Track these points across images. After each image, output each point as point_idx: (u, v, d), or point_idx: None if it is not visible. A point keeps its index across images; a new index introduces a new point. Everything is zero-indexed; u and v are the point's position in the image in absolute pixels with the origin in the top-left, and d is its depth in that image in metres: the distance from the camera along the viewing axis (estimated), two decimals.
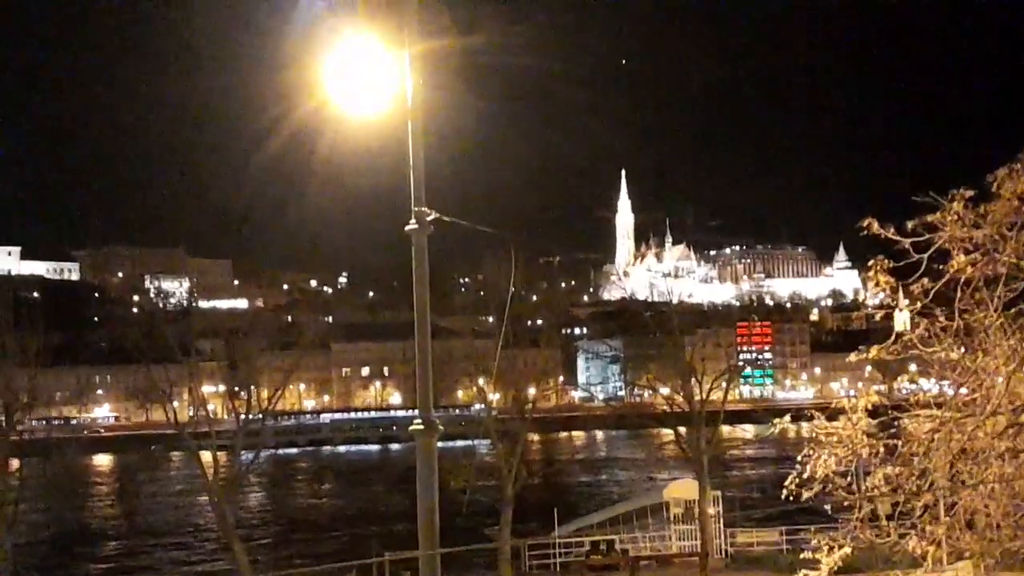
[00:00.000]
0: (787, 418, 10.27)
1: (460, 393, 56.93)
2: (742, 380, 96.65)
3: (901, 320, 8.97)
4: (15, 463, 25.09)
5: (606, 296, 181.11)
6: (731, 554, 30.24)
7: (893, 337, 9.16)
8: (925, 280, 8.99)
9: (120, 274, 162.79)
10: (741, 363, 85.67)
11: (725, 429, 36.86)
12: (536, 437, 40.34)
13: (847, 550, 9.32)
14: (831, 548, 9.37)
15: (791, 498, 9.51)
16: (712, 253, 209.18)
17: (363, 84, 8.43)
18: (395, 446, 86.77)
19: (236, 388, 29.90)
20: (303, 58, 8.65)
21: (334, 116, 8.68)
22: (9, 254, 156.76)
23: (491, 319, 32.18)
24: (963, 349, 9.20)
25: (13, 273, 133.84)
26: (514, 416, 30.98)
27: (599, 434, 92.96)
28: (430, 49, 8.55)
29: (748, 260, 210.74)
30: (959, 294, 8.94)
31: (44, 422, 45.18)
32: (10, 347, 25.55)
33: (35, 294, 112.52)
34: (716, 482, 31.88)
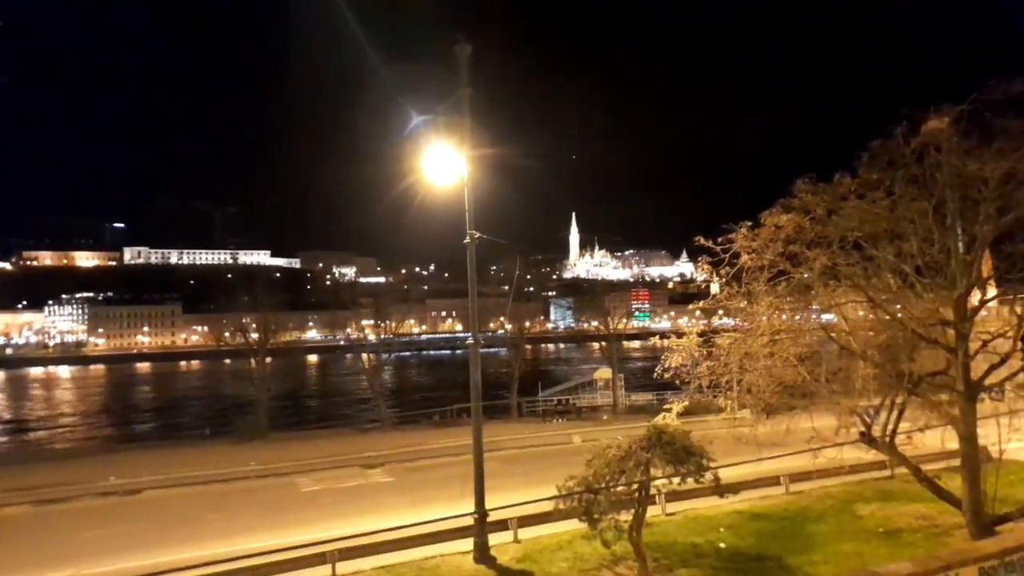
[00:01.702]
0: (657, 337, 18.63)
1: (491, 324, 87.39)
2: (634, 318, 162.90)
3: (715, 288, 17.36)
4: (268, 359, 49.15)
5: (565, 276, 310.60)
6: (627, 406, 49.83)
7: (711, 297, 17.54)
8: (728, 268, 17.23)
9: (320, 264, 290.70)
10: (633, 310, 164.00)
11: (625, 343, 66.61)
12: (529, 347, 64.10)
13: (687, 403, 17.83)
14: (679, 402, 17.89)
15: (658, 377, 18.06)
16: (618, 253, 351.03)
17: (442, 168, 16.92)
18: (459, 351, 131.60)
19: (378, 322, 53.23)
20: (413, 151, 16.83)
21: (426, 183, 17.02)
22: (268, 254, 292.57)
23: (506, 287, 53.52)
24: (745, 303, 17.53)
25: (266, 264, 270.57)
26: (517, 336, 55.10)
27: (561, 346, 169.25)
28: (476, 151, 16.92)
29: (636, 257, 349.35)
30: (744, 275, 17.24)
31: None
32: (266, 301, 52.28)
33: (277, 275, 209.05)
34: (620, 368, 53.38)
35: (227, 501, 24.82)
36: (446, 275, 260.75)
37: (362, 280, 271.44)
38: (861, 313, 17.08)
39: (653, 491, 15.64)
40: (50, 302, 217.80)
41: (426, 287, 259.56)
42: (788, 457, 15.53)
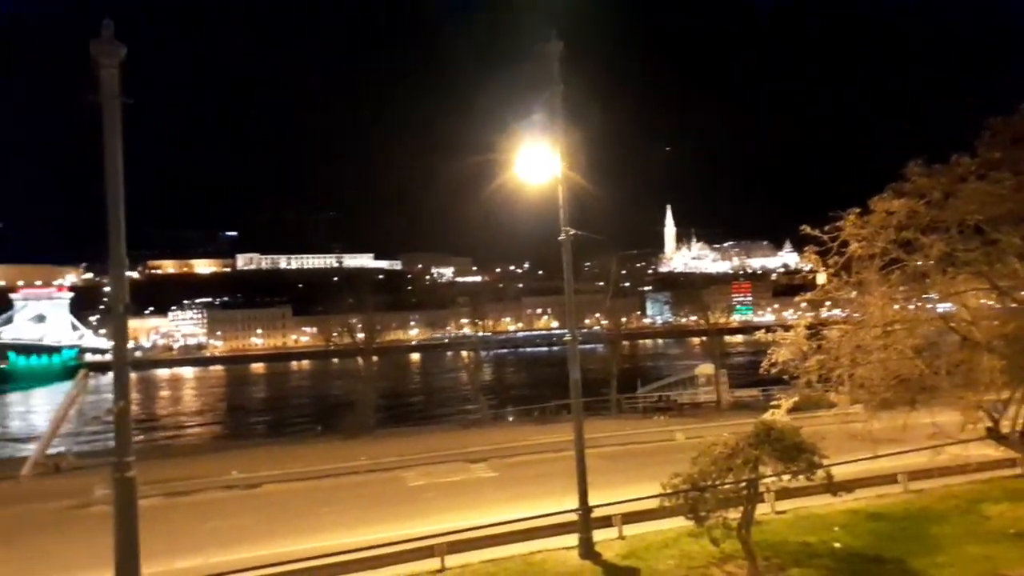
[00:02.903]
0: (762, 331, 18.08)
1: (587, 320, 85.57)
2: (735, 312, 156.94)
3: (821, 279, 16.70)
4: (375, 358, 52.34)
5: (661, 270, 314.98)
6: (731, 403, 48.76)
7: (819, 287, 16.89)
8: (836, 257, 16.54)
9: (419, 265, 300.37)
10: (734, 303, 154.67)
11: (726, 338, 62.92)
12: (626, 343, 63.34)
13: (796, 398, 17.27)
14: (788, 398, 17.35)
15: (765, 373, 17.54)
16: (717, 245, 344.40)
17: (535, 166, 16.98)
18: (555, 348, 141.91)
19: (475, 320, 57.79)
20: (507, 150, 16.97)
21: (519, 182, 17.14)
22: (370, 257, 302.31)
23: (601, 283, 53.82)
24: (855, 293, 16.79)
25: (369, 266, 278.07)
26: (614, 332, 56.25)
27: (659, 342, 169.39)
28: (569, 148, 16.92)
29: (737, 248, 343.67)
30: (853, 264, 16.51)
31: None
32: (370, 302, 55.87)
33: (380, 276, 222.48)
34: (722, 363, 52.07)
35: (338, 495, 25.80)
36: (540, 272, 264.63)
37: (459, 280, 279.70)
38: (984, 301, 16.08)
39: (762, 489, 15.22)
40: (173, 307, 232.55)
41: (521, 285, 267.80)
42: (907, 454, 14.78)
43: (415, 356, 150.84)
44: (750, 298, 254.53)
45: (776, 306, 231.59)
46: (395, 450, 34.13)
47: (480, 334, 56.34)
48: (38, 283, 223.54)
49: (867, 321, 16.47)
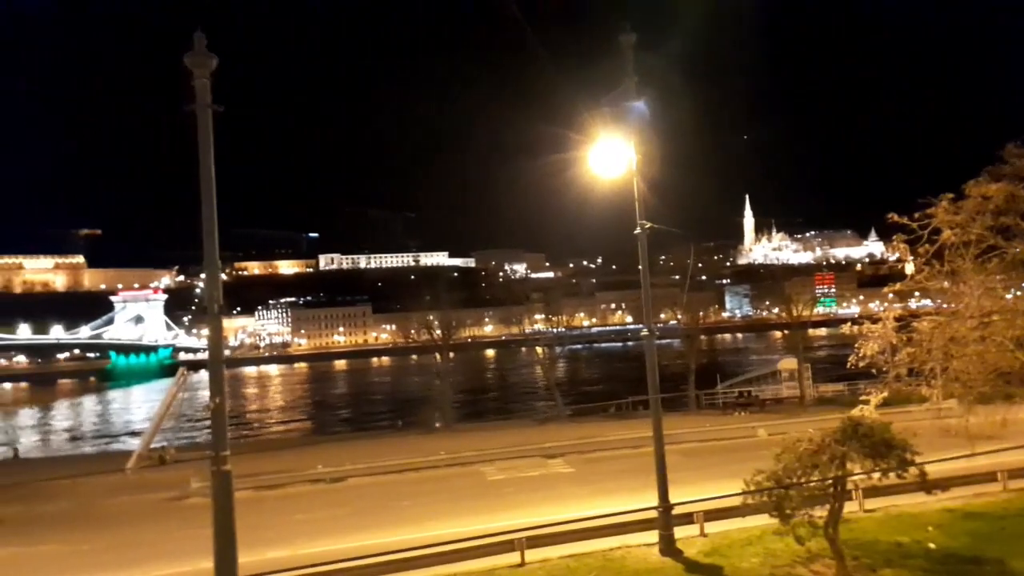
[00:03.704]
0: (848, 324, 17.46)
1: (663, 315, 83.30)
2: (818, 304, 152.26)
3: (910, 268, 16.03)
4: (451, 354, 53.13)
5: (740, 262, 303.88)
6: (815, 398, 47.70)
7: (908, 278, 16.22)
8: (927, 245, 15.84)
9: (493, 262, 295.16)
10: (817, 295, 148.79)
11: (810, 331, 62.53)
12: (704, 337, 60.83)
13: (885, 393, 16.65)
14: (877, 393, 16.74)
15: (852, 367, 16.97)
16: (798, 235, 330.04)
17: (608, 159, 16.88)
18: (630, 343, 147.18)
19: (549, 316, 57.76)
20: (579, 144, 16.93)
21: (593, 176, 17.06)
22: (445, 255, 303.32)
23: (677, 277, 52.19)
24: (948, 283, 16.04)
25: (444, 264, 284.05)
26: (692, 326, 54.65)
27: (739, 336, 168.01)
28: (644, 140, 16.73)
29: (819, 238, 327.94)
30: (946, 253, 15.77)
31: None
32: (446, 299, 57.21)
33: (455, 274, 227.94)
34: (805, 357, 50.37)
35: (420, 488, 26.32)
36: (614, 267, 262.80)
37: (533, 276, 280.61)
38: None
39: (850, 486, 14.76)
40: (259, 307, 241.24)
41: (594, 280, 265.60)
42: (1007, 451, 14.04)
43: (490, 352, 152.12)
44: (834, 290, 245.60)
45: (861, 298, 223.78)
46: (473, 445, 34.56)
47: (554, 330, 56.20)
48: (135, 286, 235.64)
49: (962, 312, 15.78)
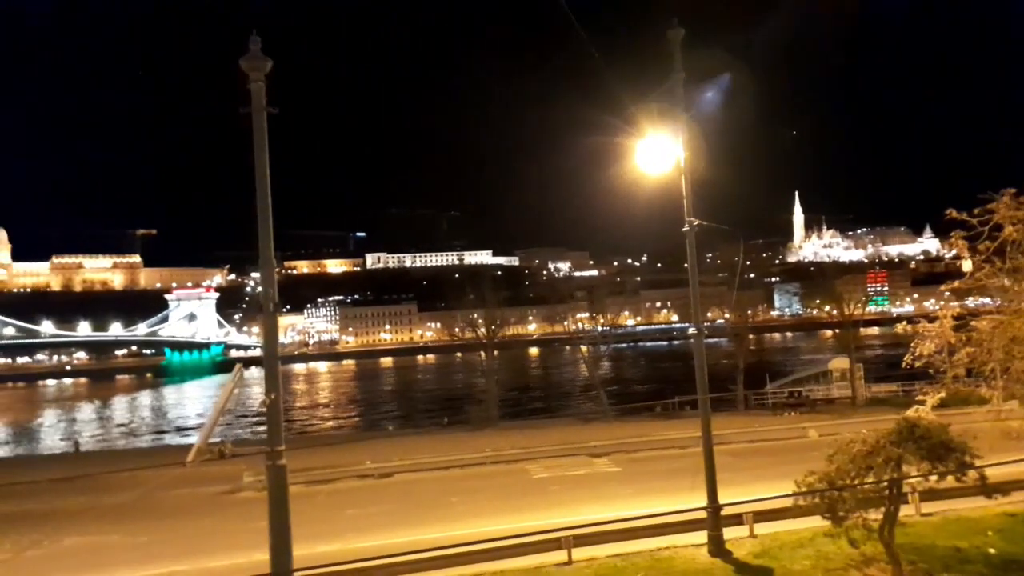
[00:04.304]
0: (903, 323, 17.05)
1: (710, 313, 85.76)
2: (870, 303, 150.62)
3: (968, 266, 15.56)
4: (495, 352, 52.51)
5: (789, 259, 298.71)
6: (867, 398, 46.50)
7: (967, 276, 15.74)
8: (987, 242, 15.32)
9: (536, 260, 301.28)
10: (870, 294, 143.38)
11: (862, 330, 57.43)
12: (752, 336, 57.46)
13: (942, 394, 16.20)
14: (934, 394, 16.28)
15: (907, 367, 16.56)
16: (850, 232, 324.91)
17: (654, 156, 16.77)
18: (676, 342, 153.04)
19: (593, 314, 59.56)
20: (624, 141, 16.86)
21: (638, 173, 16.97)
22: (489, 253, 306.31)
23: (724, 275, 49.38)
24: (1009, 281, 15.50)
25: (488, 263, 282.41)
26: (740, 325, 53.59)
27: (788, 335, 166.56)
28: (690, 138, 16.61)
29: (871, 235, 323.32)
30: (1008, 249, 15.25)
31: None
32: (490, 298, 57.57)
33: (498, 272, 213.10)
34: (857, 357, 48.63)
35: (466, 485, 26.53)
36: (659, 265, 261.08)
37: (576, 274, 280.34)
38: None
39: (906, 489, 14.43)
40: (308, 305, 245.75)
41: (639, 278, 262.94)
42: None
43: (534, 350, 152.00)
44: (886, 288, 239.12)
45: (915, 296, 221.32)
46: (518, 443, 34.67)
47: (598, 328, 55.99)
48: (189, 285, 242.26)
49: (1023, 311, 15.23)
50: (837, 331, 51.99)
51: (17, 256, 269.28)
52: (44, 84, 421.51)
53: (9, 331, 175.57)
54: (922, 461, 12.67)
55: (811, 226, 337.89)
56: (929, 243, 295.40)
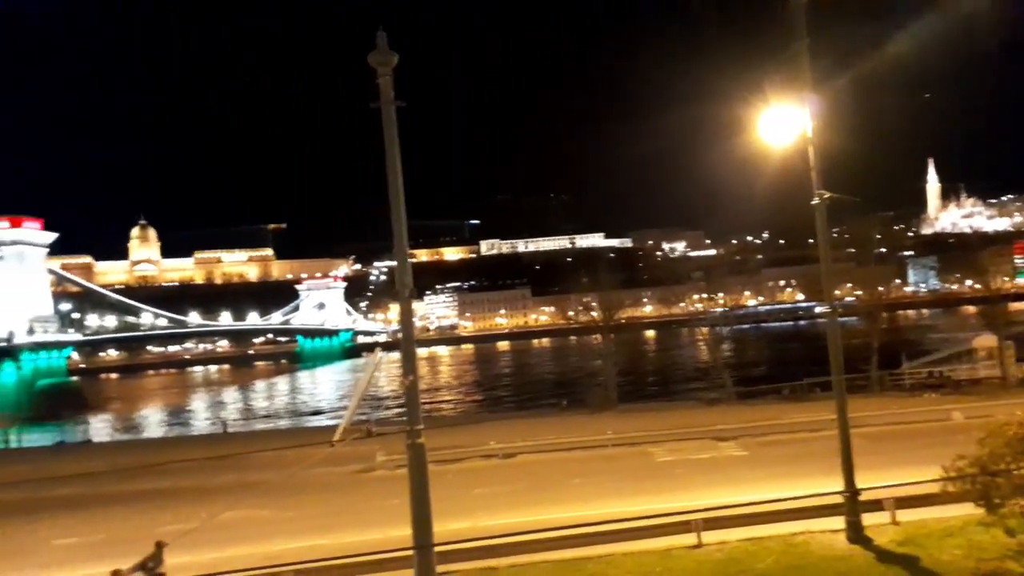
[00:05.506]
0: None
1: (837, 291, 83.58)
2: (1019, 275, 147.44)
3: None
4: (611, 335, 52.99)
5: (924, 231, 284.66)
6: (1020, 378, 43.02)
7: None
8: None
9: (650, 241, 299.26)
10: (1017, 266, 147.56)
11: (1010, 305, 54.00)
12: (885, 314, 53.02)
13: None
14: None
15: None
16: (993, 200, 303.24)
17: (777, 128, 16.21)
18: (801, 322, 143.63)
19: (711, 295, 60.52)
20: (742, 114, 16.38)
21: (758, 147, 16.46)
22: (601, 236, 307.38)
23: (852, 250, 48.28)
24: None
25: (600, 245, 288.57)
26: (872, 303, 50.39)
27: (924, 312, 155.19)
28: (816, 107, 15.91)
29: (1019, 202, 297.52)
30: None
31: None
32: (604, 280, 57.76)
33: (611, 255, 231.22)
34: (1006, 334, 45.17)
35: (588, 467, 26.70)
36: (781, 242, 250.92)
37: (692, 254, 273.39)
38: None
39: None
40: (427, 292, 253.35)
41: (760, 256, 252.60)
42: None
43: (650, 333, 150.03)
44: None
45: None
46: (640, 425, 34.50)
47: (717, 309, 54.55)
48: (317, 275, 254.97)
49: None
50: (981, 307, 48.21)
51: (165, 253, 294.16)
52: (208, 102, 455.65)
53: (162, 322, 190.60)
54: None
55: (948, 195, 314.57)
56: None
